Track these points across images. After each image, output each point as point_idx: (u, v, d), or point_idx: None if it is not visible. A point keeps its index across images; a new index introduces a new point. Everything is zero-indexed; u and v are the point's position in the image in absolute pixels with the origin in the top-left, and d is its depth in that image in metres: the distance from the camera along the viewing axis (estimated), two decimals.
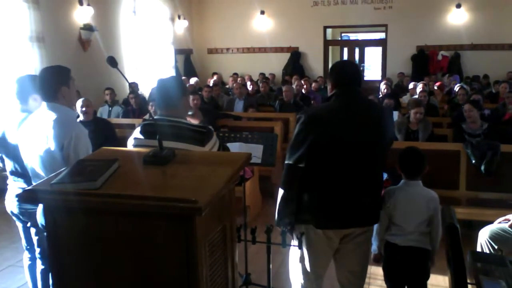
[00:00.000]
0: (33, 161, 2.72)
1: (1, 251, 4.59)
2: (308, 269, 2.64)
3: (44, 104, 2.71)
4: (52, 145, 2.60)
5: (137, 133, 2.54)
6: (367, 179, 2.54)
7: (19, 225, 3.25)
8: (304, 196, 2.50)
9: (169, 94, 2.51)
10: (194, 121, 2.78)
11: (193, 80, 10.36)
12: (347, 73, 2.58)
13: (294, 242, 2.64)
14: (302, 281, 2.69)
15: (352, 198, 2.51)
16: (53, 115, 2.64)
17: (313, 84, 10.41)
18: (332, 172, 2.47)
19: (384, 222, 2.97)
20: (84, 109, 5.38)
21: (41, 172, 2.67)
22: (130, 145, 2.55)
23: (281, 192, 2.53)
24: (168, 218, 1.48)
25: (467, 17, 11.78)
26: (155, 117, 2.53)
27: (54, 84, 2.68)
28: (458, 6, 11.73)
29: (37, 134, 2.66)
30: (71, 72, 2.81)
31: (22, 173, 3.03)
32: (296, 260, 2.69)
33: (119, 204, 1.49)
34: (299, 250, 2.63)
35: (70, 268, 1.60)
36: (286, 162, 2.50)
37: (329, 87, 2.63)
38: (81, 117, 5.40)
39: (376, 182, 2.64)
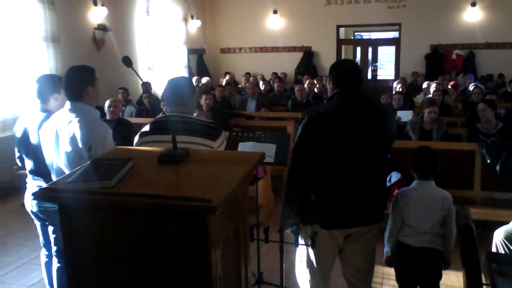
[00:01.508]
0: (59, 161, 2.75)
1: (16, 249, 4.65)
2: (315, 268, 2.65)
3: (68, 103, 2.74)
4: (80, 145, 2.63)
5: (146, 129, 2.59)
6: (370, 178, 2.53)
7: (37, 223, 3.28)
8: (309, 197, 2.50)
9: (181, 92, 2.61)
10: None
11: (204, 80, 10.40)
12: (348, 72, 2.58)
13: (303, 241, 2.64)
14: (310, 281, 2.69)
15: (356, 197, 2.50)
16: (79, 115, 2.68)
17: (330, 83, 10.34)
18: (335, 172, 2.47)
19: (397, 223, 2.95)
20: (111, 109, 5.81)
21: (67, 171, 2.69)
22: (137, 141, 2.59)
23: (284, 193, 2.54)
24: (182, 217, 1.49)
25: (482, 16, 11.66)
26: (168, 114, 2.60)
27: (80, 83, 2.72)
28: (473, 4, 11.61)
29: (63, 134, 2.69)
30: None
31: (41, 172, 3.06)
32: (302, 260, 2.70)
33: (133, 203, 1.50)
34: (305, 250, 2.65)
35: (84, 266, 1.62)
36: (289, 162, 2.51)
37: (329, 87, 2.63)
38: (107, 116, 5.79)
39: (379, 181, 2.62)
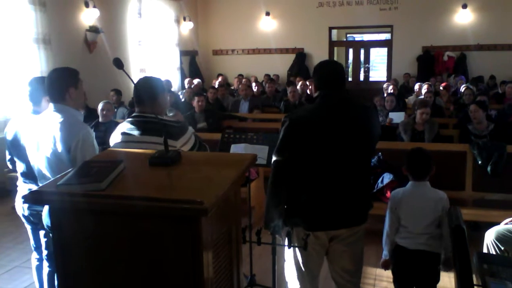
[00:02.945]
0: (40, 163, 2.73)
1: (7, 252, 4.61)
2: (303, 269, 2.65)
3: (51, 105, 2.72)
4: (59, 147, 2.61)
5: (124, 130, 2.59)
6: (353, 180, 2.53)
7: (28, 227, 3.25)
8: (292, 199, 2.51)
9: (147, 92, 2.60)
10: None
11: (195, 81, 10.38)
12: (331, 74, 2.56)
13: (295, 243, 2.64)
14: (298, 282, 2.69)
15: (339, 199, 2.50)
16: (60, 117, 2.66)
17: None
18: (318, 174, 2.48)
19: (393, 225, 2.96)
20: (104, 112, 5.82)
21: (47, 173, 2.68)
22: (116, 141, 2.59)
23: (268, 195, 2.54)
24: (174, 219, 1.48)
25: (473, 18, 11.74)
26: (134, 114, 2.64)
27: (62, 84, 2.69)
28: (464, 6, 11.69)
29: (44, 136, 2.67)
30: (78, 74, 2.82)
31: (33, 175, 3.04)
32: (290, 262, 2.70)
33: (124, 205, 1.49)
34: (292, 252, 2.65)
35: (75, 269, 1.60)
36: (272, 164, 2.52)
37: (313, 88, 2.63)
38: (100, 118, 5.81)
39: (362, 183, 2.62)
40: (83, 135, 2.65)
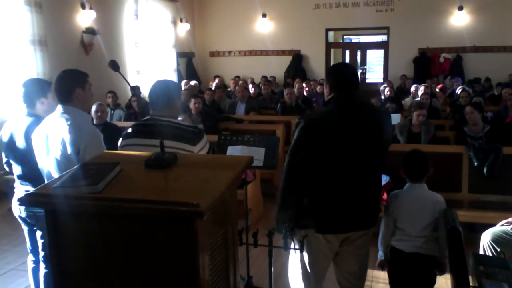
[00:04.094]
0: (49, 165, 2.73)
1: (3, 255, 4.59)
2: (309, 272, 2.65)
3: (59, 107, 2.73)
4: (68, 149, 2.61)
5: (129, 131, 2.59)
6: (366, 183, 2.54)
7: (25, 228, 3.24)
8: (303, 201, 2.51)
9: (164, 95, 2.59)
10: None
11: (192, 83, 10.37)
12: (345, 77, 2.59)
13: (296, 245, 2.64)
14: (303, 284, 2.68)
15: (351, 202, 2.51)
16: (69, 119, 2.66)
17: (318, 87, 10.36)
18: (331, 177, 2.48)
19: (389, 227, 2.96)
20: (99, 113, 5.79)
21: (57, 175, 2.67)
22: (121, 142, 2.59)
23: (280, 197, 2.54)
24: (170, 222, 1.48)
25: (469, 20, 11.78)
26: (147, 117, 2.63)
27: (69, 85, 2.71)
28: (460, 8, 11.73)
29: (53, 138, 2.68)
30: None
31: (29, 177, 3.03)
32: (296, 264, 2.69)
33: (121, 208, 1.49)
34: (300, 254, 2.64)
35: (71, 271, 1.60)
36: (285, 165, 2.52)
37: (326, 90, 2.64)
38: (94, 120, 5.75)
39: (374, 185, 2.64)
40: (92, 137, 2.66)
